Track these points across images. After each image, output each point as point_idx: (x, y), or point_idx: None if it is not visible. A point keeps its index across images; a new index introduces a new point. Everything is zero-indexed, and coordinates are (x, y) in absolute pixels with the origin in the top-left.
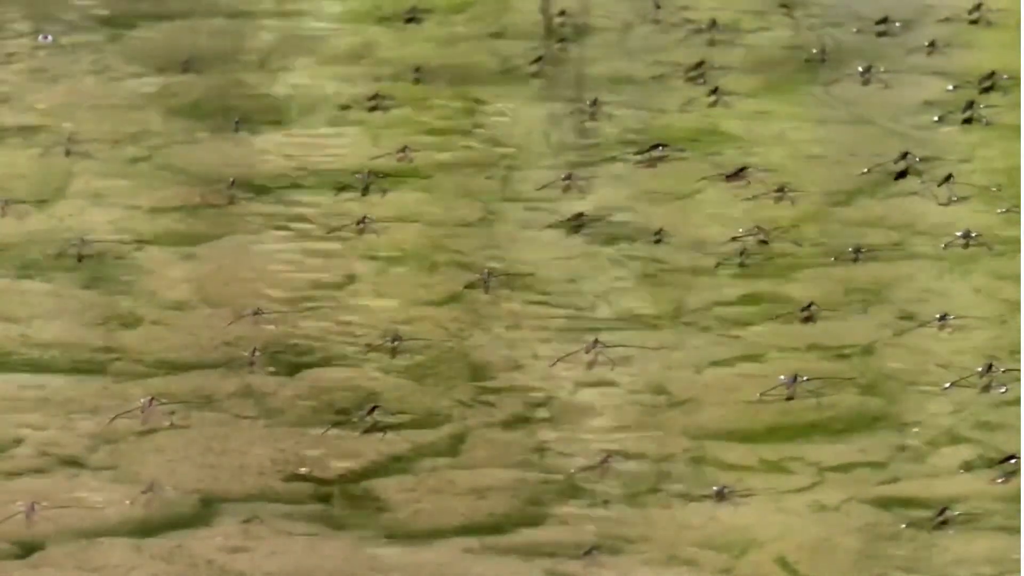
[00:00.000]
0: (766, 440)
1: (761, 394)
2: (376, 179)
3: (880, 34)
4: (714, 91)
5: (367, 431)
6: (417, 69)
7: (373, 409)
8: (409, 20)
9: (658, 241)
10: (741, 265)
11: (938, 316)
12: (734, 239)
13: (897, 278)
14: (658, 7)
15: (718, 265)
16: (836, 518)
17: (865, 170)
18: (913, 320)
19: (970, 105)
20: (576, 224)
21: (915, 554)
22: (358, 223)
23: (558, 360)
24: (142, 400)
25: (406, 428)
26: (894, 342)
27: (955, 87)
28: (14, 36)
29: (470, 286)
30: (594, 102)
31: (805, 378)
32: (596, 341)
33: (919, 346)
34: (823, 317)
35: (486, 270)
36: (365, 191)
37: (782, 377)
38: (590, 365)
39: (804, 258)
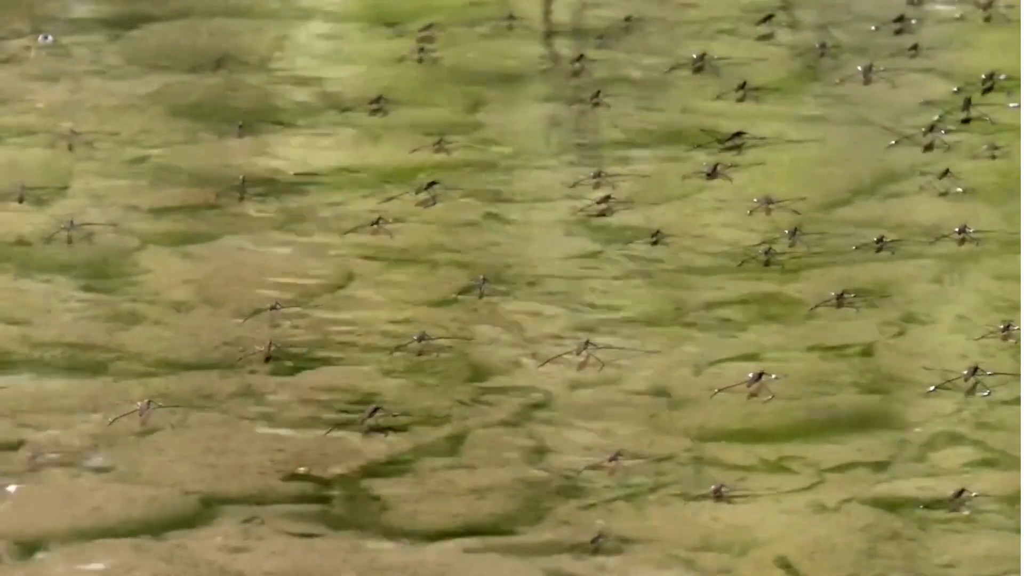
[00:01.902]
0: (766, 440)
1: (720, 389)
2: (378, 179)
3: (888, 34)
4: (742, 87)
5: (368, 432)
6: (418, 61)
7: (375, 411)
8: (424, 37)
9: (657, 242)
10: (767, 263)
11: (1002, 326)
12: (757, 244)
13: (897, 278)
14: (636, 17)
15: (742, 263)
16: (836, 518)
17: (887, 145)
18: (913, 320)
19: (968, 104)
20: (599, 211)
21: (915, 554)
22: (373, 223)
23: (547, 362)
24: (139, 404)
25: (406, 428)
26: (894, 342)
27: (959, 89)
28: (14, 36)
29: (465, 291)
30: (596, 95)
31: (773, 376)
32: (587, 342)
33: (919, 346)
34: (823, 317)
35: (481, 276)
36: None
37: (750, 374)
38: (580, 367)
39: (804, 258)
